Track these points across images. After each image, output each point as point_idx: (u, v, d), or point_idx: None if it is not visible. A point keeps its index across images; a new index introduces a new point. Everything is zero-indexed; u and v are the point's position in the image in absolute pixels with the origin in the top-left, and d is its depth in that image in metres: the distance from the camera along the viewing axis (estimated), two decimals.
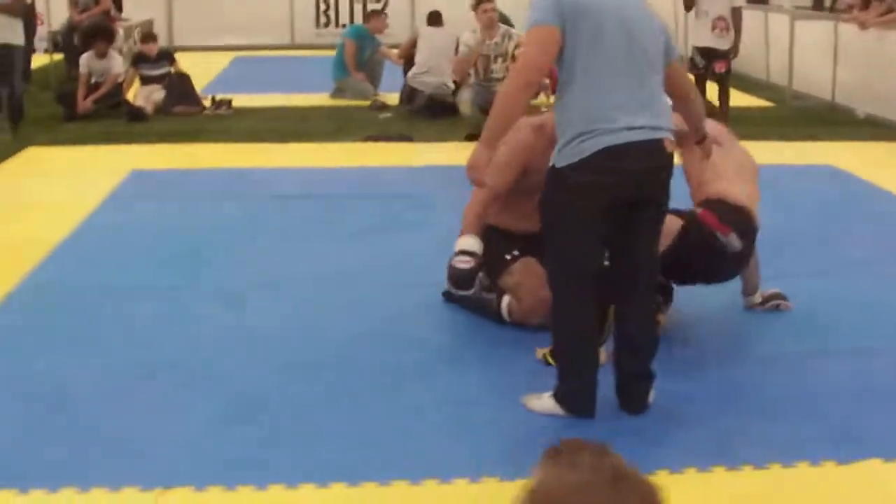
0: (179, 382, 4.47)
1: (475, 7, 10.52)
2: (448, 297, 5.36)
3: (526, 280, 4.93)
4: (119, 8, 14.74)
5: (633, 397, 4.15)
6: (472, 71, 10.78)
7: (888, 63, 11.20)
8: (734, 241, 4.79)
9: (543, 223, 4.09)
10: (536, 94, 7.62)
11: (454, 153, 9.19)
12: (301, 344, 4.91)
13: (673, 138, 4.04)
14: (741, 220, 4.88)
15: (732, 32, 10.94)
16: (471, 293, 5.02)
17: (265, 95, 12.89)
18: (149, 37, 12.58)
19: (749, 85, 13.62)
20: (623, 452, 3.69)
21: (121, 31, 13.55)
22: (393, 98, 12.09)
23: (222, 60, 16.93)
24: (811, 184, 8.30)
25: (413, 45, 12.06)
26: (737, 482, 3.65)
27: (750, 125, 10.17)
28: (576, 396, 4.08)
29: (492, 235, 5.08)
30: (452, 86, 11.37)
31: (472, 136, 9.78)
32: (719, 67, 10.77)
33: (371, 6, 13.24)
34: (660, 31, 4.11)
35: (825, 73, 12.56)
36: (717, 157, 4.92)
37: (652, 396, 4.17)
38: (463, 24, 11.75)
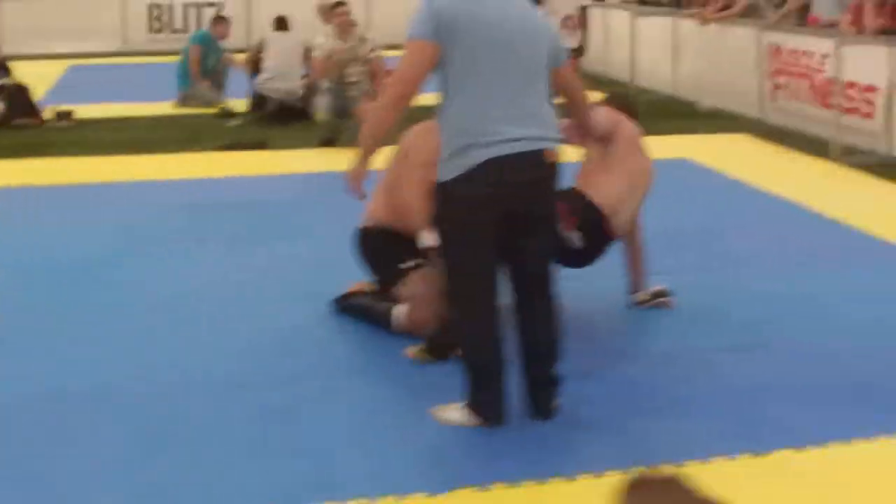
0: (63, 415, 4.23)
1: (328, 11, 10.38)
2: (338, 305, 5.26)
3: (420, 291, 4.86)
4: None
5: (540, 403, 4.14)
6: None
7: (727, 57, 11.56)
8: (573, 239, 4.84)
9: (437, 237, 4.07)
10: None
11: (312, 160, 9.12)
12: (188, 363, 4.74)
13: (556, 147, 4.03)
14: (591, 217, 4.94)
15: (579, 31, 11.12)
16: None
17: (108, 105, 12.47)
18: None
19: (592, 81, 13.83)
20: (536, 459, 3.75)
21: None
22: (240, 105, 11.86)
23: (57, 68, 16.32)
24: (670, 178, 8.37)
25: (260, 50, 11.86)
26: None
27: None
28: (485, 405, 4.04)
29: (390, 242, 5.02)
30: (302, 91, 11.23)
31: (326, 142, 9.68)
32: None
33: (211, 11, 12.91)
34: (547, 37, 4.10)
35: (666, 68, 12.89)
36: (609, 156, 5.00)
37: (559, 401, 4.17)
38: (309, 28, 11.61)
